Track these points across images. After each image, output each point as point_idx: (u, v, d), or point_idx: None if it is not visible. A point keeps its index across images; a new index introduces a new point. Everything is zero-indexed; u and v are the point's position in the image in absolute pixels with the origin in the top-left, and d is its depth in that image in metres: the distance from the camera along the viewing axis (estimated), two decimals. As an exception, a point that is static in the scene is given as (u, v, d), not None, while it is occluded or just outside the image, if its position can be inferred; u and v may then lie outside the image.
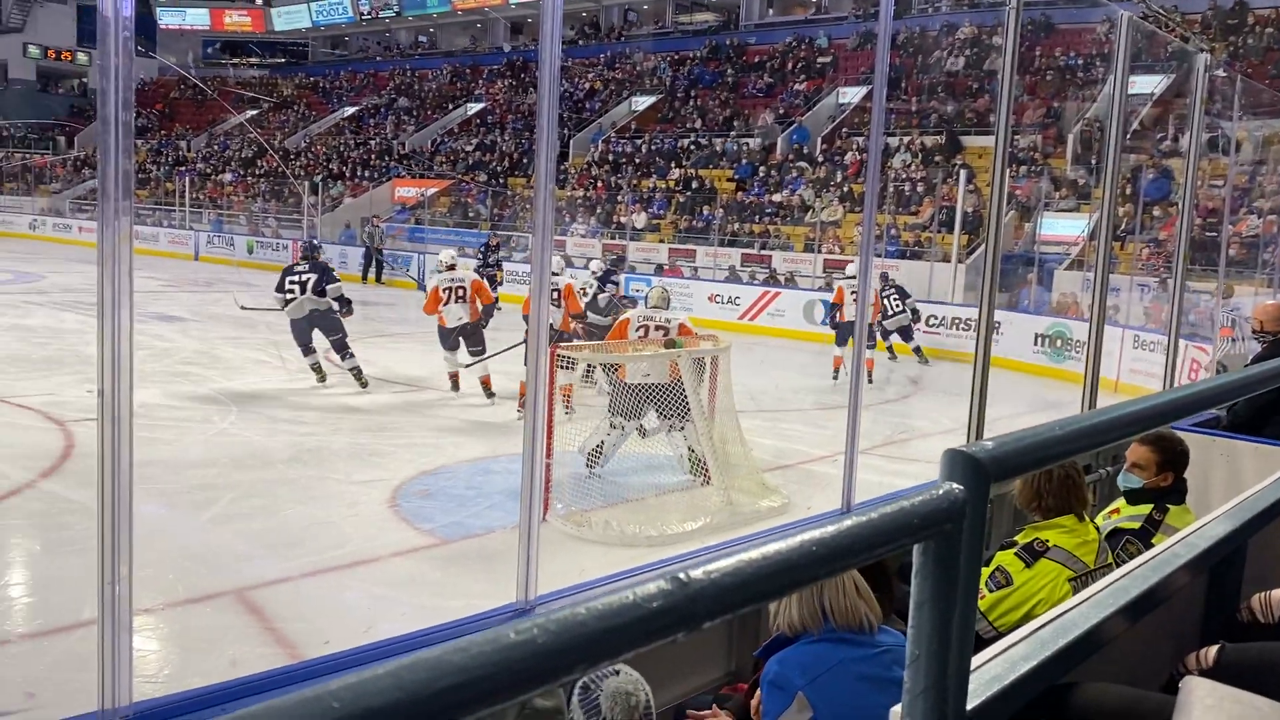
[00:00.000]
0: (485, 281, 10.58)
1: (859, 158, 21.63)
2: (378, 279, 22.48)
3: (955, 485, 1.14)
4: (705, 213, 22.51)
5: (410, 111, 35.00)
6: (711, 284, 18.49)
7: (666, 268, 20.77)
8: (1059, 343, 13.43)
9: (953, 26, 24.70)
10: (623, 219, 23.22)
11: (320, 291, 9.87)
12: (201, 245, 27.07)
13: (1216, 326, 10.39)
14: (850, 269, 12.28)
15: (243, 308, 11.88)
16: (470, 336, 9.62)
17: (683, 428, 6.72)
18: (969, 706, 1.23)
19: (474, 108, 33.26)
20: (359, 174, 31.22)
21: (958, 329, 14.73)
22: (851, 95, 24.64)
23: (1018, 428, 1.38)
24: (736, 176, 23.60)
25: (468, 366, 9.67)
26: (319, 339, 9.97)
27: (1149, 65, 18.33)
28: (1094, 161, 17.66)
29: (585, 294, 10.60)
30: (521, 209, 25.51)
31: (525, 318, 8.02)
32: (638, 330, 7.40)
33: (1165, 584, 1.82)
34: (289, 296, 9.91)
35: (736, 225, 21.78)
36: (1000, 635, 2.05)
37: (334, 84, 39.68)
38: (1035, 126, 20.42)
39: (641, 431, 7.00)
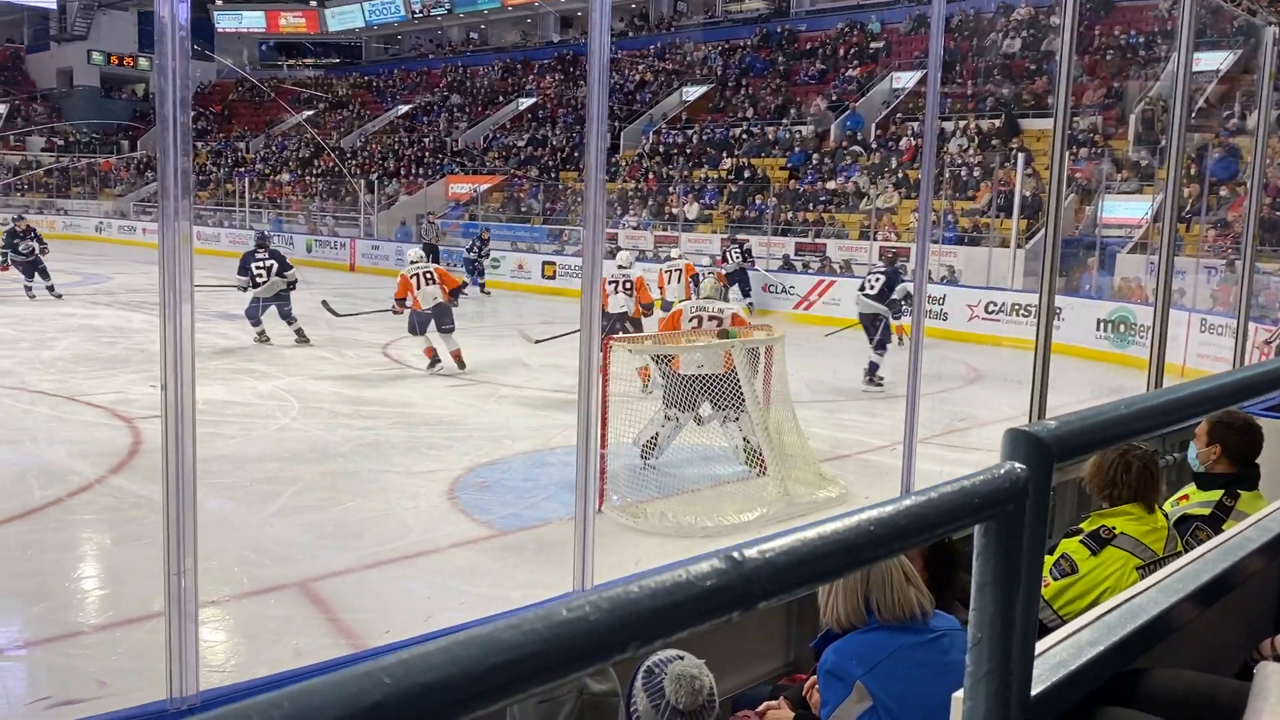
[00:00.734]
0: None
1: (914, 143, 21.35)
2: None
3: (1018, 465, 1.11)
4: (758, 202, 22.38)
5: (462, 108, 35.26)
6: (765, 274, 18.37)
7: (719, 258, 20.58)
8: (1122, 328, 13.12)
9: (1009, 7, 24.28)
10: (674, 210, 23.18)
11: (281, 274, 12.15)
12: (261, 245, 27.48)
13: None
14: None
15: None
16: (442, 316, 10.59)
17: (737, 418, 6.67)
18: (1034, 692, 1.21)
19: (525, 103, 33.42)
20: (413, 172, 31.56)
21: (1017, 315, 14.46)
22: (905, 80, 24.32)
23: (1081, 415, 1.33)
24: (789, 165, 23.41)
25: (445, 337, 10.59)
26: (271, 312, 12.07)
27: (1214, 40, 17.84)
28: (1157, 142, 17.22)
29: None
30: (573, 203, 25.58)
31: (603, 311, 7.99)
32: (691, 321, 7.36)
33: (1237, 569, 1.76)
34: (258, 279, 12.03)
35: (790, 214, 21.63)
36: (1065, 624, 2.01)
37: (387, 83, 40.14)
38: (1095, 107, 19.99)
39: (698, 420, 6.97)
